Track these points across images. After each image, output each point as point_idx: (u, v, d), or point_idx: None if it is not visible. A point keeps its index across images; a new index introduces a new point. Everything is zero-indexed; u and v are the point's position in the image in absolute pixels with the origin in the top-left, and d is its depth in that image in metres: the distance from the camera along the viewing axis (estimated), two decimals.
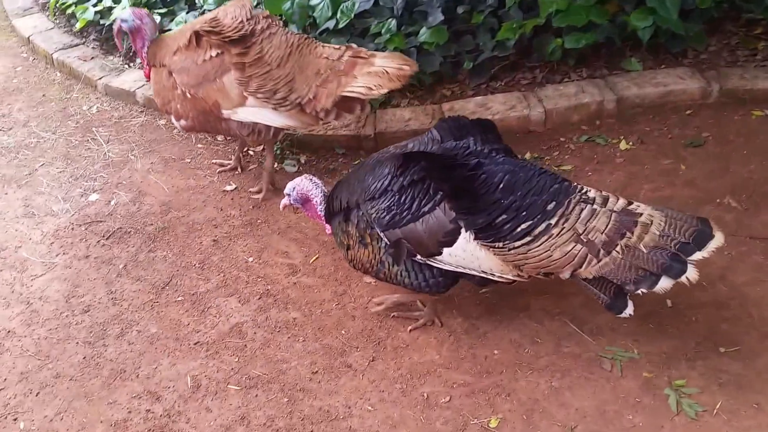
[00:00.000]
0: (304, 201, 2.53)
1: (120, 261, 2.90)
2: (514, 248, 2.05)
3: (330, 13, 3.67)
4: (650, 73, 3.60)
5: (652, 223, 1.99)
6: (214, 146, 3.57)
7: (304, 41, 3.01)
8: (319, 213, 2.51)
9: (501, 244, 2.07)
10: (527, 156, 3.34)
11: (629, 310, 2.11)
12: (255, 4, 3.90)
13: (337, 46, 3.00)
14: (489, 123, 2.34)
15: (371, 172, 2.28)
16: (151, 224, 3.09)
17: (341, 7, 3.67)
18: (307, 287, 2.76)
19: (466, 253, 2.15)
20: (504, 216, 2.05)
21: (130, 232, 3.05)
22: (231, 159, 3.44)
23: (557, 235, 2.02)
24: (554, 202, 2.03)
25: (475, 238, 2.10)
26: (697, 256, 1.98)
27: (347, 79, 2.91)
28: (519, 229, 2.03)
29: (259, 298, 2.72)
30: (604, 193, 2.09)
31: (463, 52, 3.66)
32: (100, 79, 3.94)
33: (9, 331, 2.60)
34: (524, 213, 2.03)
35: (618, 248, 1.99)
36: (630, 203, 2.06)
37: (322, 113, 2.95)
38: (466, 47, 3.66)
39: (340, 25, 3.64)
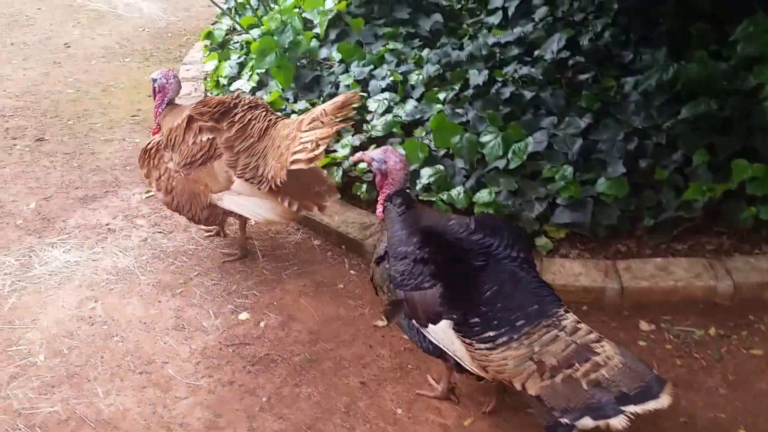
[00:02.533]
0: (384, 175, 2.59)
1: (264, 393, 2.74)
2: (479, 349, 2.25)
3: (501, 152, 3.55)
4: None
5: (605, 365, 2.11)
6: (367, 274, 3.44)
7: (279, 119, 3.23)
8: (383, 193, 2.60)
9: (468, 341, 2.27)
10: (711, 331, 2.98)
11: None
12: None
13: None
14: (519, 230, 2.60)
15: (407, 235, 2.48)
16: (299, 354, 2.94)
17: (513, 147, 3.54)
18: None
19: (446, 336, 2.35)
20: (477, 320, 2.26)
21: (277, 360, 2.91)
22: (237, 250, 3.58)
23: (515, 348, 2.20)
24: (524, 320, 2.22)
25: (451, 327, 2.31)
26: (630, 409, 2.06)
27: (293, 144, 2.97)
28: (485, 335, 2.24)
29: None
30: (580, 324, 2.23)
31: (644, 208, 3.40)
32: None
33: None
34: (495, 322, 2.23)
35: (561, 375, 2.12)
36: (598, 340, 2.18)
37: (286, 201, 3.09)
38: (646, 203, 3.40)
39: (511, 166, 3.50)
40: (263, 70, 4.61)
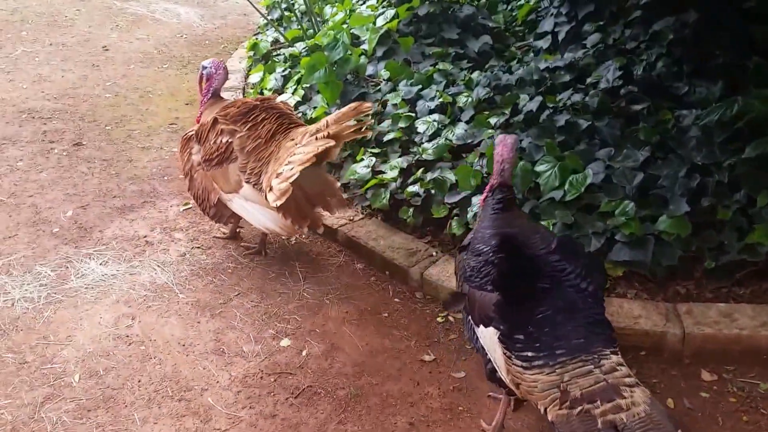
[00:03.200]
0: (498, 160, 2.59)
1: (308, 429, 2.61)
2: (515, 365, 2.22)
3: (557, 183, 3.42)
4: None
5: (627, 410, 2.04)
6: (412, 303, 3.32)
7: (294, 125, 3.19)
8: (489, 184, 2.62)
9: (508, 354, 2.25)
10: None
11: None
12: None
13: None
14: (598, 264, 2.60)
15: (490, 235, 2.50)
16: (343, 388, 2.81)
17: (570, 178, 3.41)
18: None
19: (491, 342, 2.34)
20: (521, 337, 2.22)
21: (320, 393, 2.78)
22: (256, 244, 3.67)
23: (547, 374, 2.16)
24: (564, 350, 2.17)
25: (497, 336, 2.29)
26: None
27: (285, 162, 2.95)
28: (524, 354, 2.21)
29: None
30: (621, 366, 2.15)
31: (705, 249, 3.25)
32: None
33: None
34: (537, 345, 2.19)
35: (579, 408, 2.07)
36: (631, 386, 2.09)
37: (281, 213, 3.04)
38: (707, 243, 3.25)
39: (568, 198, 3.36)
40: (308, 85, 4.51)
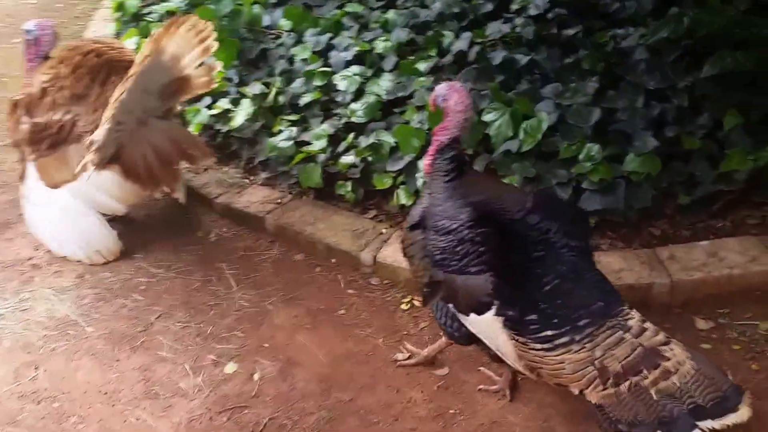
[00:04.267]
0: (445, 113, 2.25)
1: None
2: (534, 349, 2.01)
3: (510, 133, 3.03)
4: None
5: (676, 372, 1.88)
6: (369, 293, 2.87)
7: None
8: (435, 142, 2.25)
9: (522, 340, 2.02)
10: None
11: None
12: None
13: None
14: (580, 213, 2.37)
15: (454, 207, 2.15)
16: (312, 412, 2.36)
17: (524, 125, 3.02)
18: None
19: (489, 330, 2.10)
20: (535, 317, 2.01)
21: (286, 425, 2.31)
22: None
23: (575, 351, 1.96)
24: (588, 320, 1.97)
25: (502, 325, 2.05)
26: (707, 424, 1.84)
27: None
28: (543, 334, 1.99)
29: None
30: (647, 323, 1.99)
31: (676, 183, 2.98)
32: (217, 197, 3.28)
33: None
34: (555, 321, 1.99)
35: (627, 384, 1.90)
36: (666, 343, 1.94)
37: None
38: (677, 177, 2.99)
39: (525, 148, 2.98)
40: None
